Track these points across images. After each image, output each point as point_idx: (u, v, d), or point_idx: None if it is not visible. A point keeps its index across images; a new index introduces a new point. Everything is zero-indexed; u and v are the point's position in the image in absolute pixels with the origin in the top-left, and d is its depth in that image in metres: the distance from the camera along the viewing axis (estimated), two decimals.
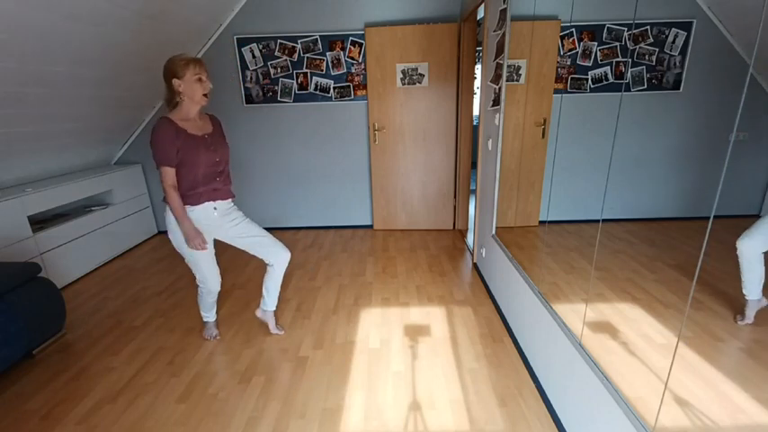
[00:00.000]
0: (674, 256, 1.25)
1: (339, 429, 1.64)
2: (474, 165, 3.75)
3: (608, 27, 1.49)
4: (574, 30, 1.68)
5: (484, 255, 2.88)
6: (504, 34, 2.28)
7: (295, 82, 3.76)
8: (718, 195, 0.87)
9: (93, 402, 1.83)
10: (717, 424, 0.98)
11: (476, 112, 3.63)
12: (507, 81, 2.32)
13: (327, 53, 3.67)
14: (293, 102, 3.82)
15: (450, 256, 3.36)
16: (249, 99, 3.83)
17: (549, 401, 1.71)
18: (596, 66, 1.62)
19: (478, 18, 3.29)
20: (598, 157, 1.31)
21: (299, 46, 3.65)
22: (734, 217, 0.96)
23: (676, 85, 1.23)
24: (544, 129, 2.01)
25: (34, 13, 2.00)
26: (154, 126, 1.76)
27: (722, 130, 0.92)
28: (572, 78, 1.72)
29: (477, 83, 3.55)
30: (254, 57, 3.70)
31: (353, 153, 3.97)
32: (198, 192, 1.88)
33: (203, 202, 1.91)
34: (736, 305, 1.00)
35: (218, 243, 2.11)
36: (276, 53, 3.68)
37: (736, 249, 0.96)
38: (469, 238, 3.71)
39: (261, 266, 3.21)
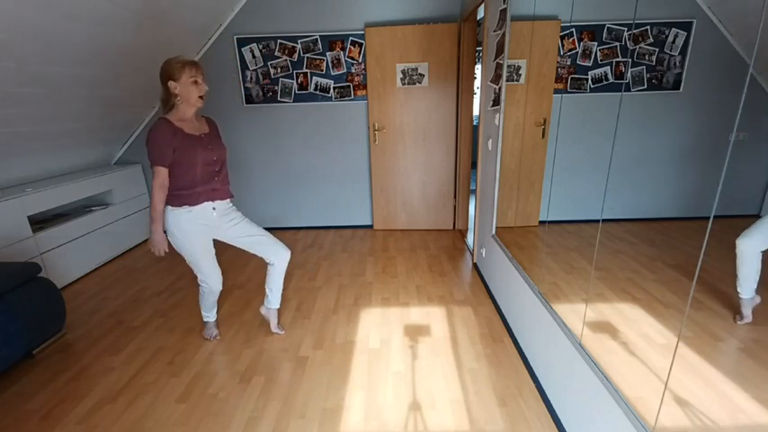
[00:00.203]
0: (674, 256, 1.25)
1: (339, 429, 1.64)
2: (474, 165, 3.75)
3: (608, 27, 1.49)
4: (574, 30, 1.68)
5: (484, 255, 2.88)
6: (504, 34, 2.28)
7: (295, 82, 3.76)
8: (718, 195, 0.87)
9: (93, 402, 1.83)
10: (717, 424, 0.98)
11: (476, 112, 3.63)
12: (507, 81, 2.32)
13: (327, 53, 3.67)
14: (293, 102, 3.82)
15: (450, 256, 3.36)
16: (249, 99, 3.83)
17: (549, 401, 1.71)
18: (596, 66, 1.62)
19: (478, 18, 3.29)
20: (598, 157, 1.31)
21: (299, 46, 3.65)
22: (734, 217, 0.96)
23: (676, 85, 1.23)
24: (544, 129, 2.01)
25: (34, 13, 2.00)
26: (151, 126, 1.77)
27: (722, 130, 0.92)
28: (572, 78, 1.72)
29: (477, 83, 3.55)
30: (254, 57, 3.70)
31: (353, 153, 3.97)
32: (196, 191, 1.88)
33: (202, 202, 1.91)
34: (736, 305, 1.00)
35: (217, 243, 2.11)
36: (276, 53, 3.68)
37: (735, 248, 0.96)
38: (469, 238, 3.71)
39: (261, 266, 3.21)
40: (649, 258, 1.35)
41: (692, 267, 0.94)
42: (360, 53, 3.66)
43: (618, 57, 1.48)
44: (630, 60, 1.32)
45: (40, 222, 2.95)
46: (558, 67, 1.86)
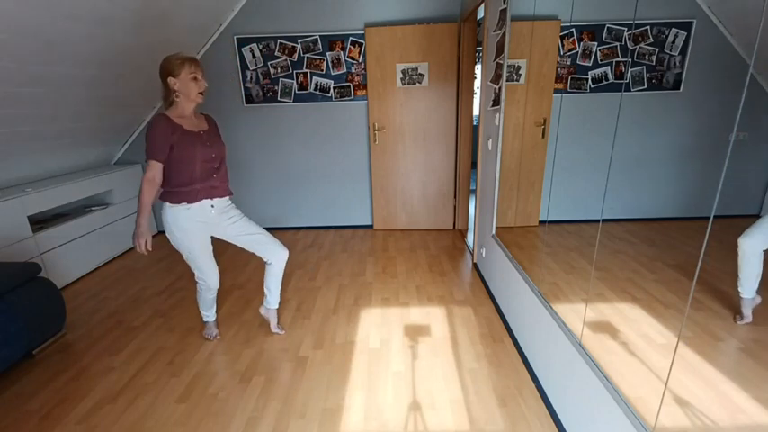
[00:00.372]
0: (674, 256, 1.25)
1: (339, 429, 1.64)
2: (474, 165, 3.75)
3: (608, 27, 1.49)
4: (574, 30, 1.68)
5: (484, 255, 2.88)
6: (504, 34, 2.28)
7: (295, 82, 3.76)
8: (718, 195, 0.87)
9: (93, 402, 1.83)
10: (717, 424, 0.98)
11: (476, 112, 3.63)
12: (507, 81, 2.32)
13: (327, 53, 3.67)
14: (293, 102, 3.82)
15: (450, 256, 3.36)
16: (249, 99, 3.83)
17: (549, 401, 1.71)
18: (596, 66, 1.62)
19: (478, 18, 3.29)
20: (598, 157, 1.31)
21: (299, 46, 3.65)
22: (734, 217, 0.96)
23: (676, 85, 1.23)
24: (544, 129, 2.01)
25: (34, 13, 2.00)
26: (150, 121, 1.77)
27: (722, 130, 0.92)
28: (572, 78, 1.72)
29: (477, 83, 3.55)
30: (254, 57, 3.70)
31: (353, 153, 3.97)
32: (195, 188, 1.88)
33: (201, 200, 1.91)
34: (736, 305, 1.00)
35: (217, 242, 2.11)
36: (276, 53, 3.68)
37: (736, 249, 0.96)
38: (469, 238, 3.71)
39: (261, 266, 3.21)
40: (649, 258, 1.35)
41: (692, 267, 0.94)
42: (360, 53, 3.66)
43: (618, 57, 1.48)
44: (630, 60, 1.32)
45: (40, 222, 2.95)
46: (558, 67, 1.86)
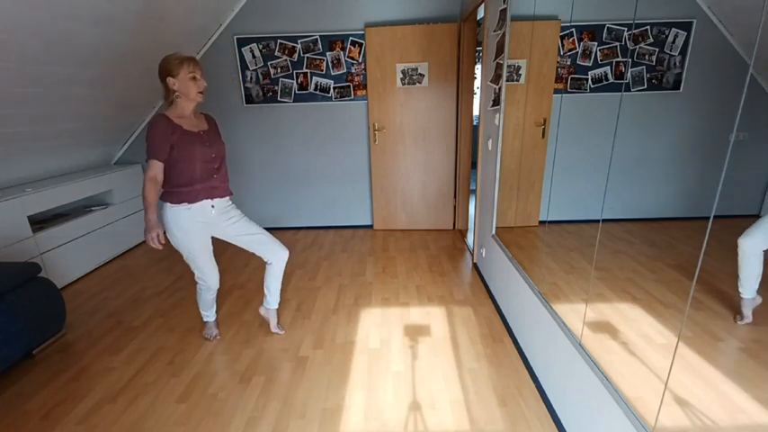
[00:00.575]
0: (674, 256, 1.25)
1: (339, 429, 1.64)
2: (474, 165, 3.75)
3: (608, 27, 1.49)
4: (574, 30, 1.68)
5: (484, 255, 2.88)
6: (504, 34, 2.28)
7: (295, 82, 3.76)
8: (718, 195, 0.87)
9: (93, 402, 1.83)
10: (717, 424, 0.98)
11: (476, 112, 3.63)
12: (507, 81, 2.32)
13: (327, 53, 3.67)
14: (293, 102, 3.82)
15: (450, 256, 3.36)
16: (249, 99, 3.83)
17: (549, 401, 1.71)
18: (596, 66, 1.62)
19: (478, 18, 3.29)
20: (598, 157, 1.31)
21: (299, 46, 3.65)
22: (734, 217, 0.96)
23: (676, 85, 1.23)
24: (544, 129, 2.01)
25: (34, 13, 2.00)
26: (150, 121, 1.77)
27: (722, 130, 0.92)
28: (572, 78, 1.72)
29: (477, 83, 3.55)
30: (254, 57, 3.70)
31: (353, 153, 3.97)
32: (195, 189, 1.88)
33: (201, 200, 1.91)
34: (736, 305, 1.00)
35: (217, 242, 2.11)
36: (276, 53, 3.68)
37: (736, 249, 0.96)
38: (469, 238, 3.71)
39: (261, 266, 3.20)
40: (649, 258, 1.35)
41: (692, 267, 0.94)
42: (360, 53, 3.66)
43: (618, 57, 1.48)
44: (630, 60, 1.32)
45: (40, 222, 2.95)
46: (558, 67, 1.86)
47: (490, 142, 2.69)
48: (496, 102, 2.49)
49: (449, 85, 3.63)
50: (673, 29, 1.20)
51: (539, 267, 1.94)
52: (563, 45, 1.78)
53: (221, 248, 2.17)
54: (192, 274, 2.11)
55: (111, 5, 2.35)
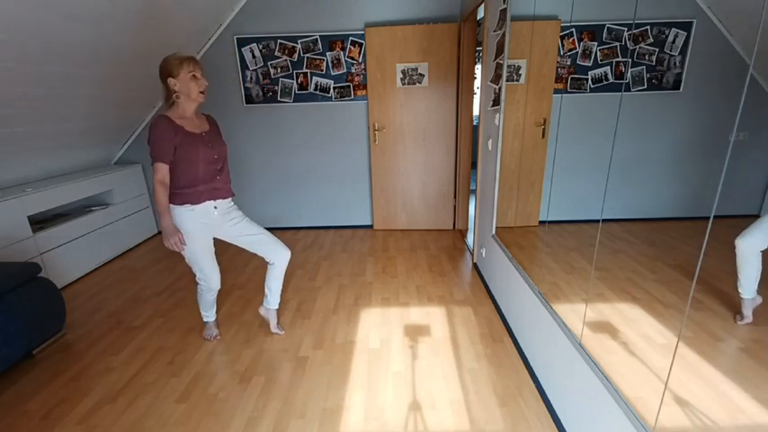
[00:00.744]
0: (674, 256, 1.25)
1: (339, 429, 1.64)
2: (474, 165, 3.75)
3: (608, 27, 1.49)
4: (574, 30, 1.68)
5: (484, 255, 2.88)
6: (504, 34, 2.28)
7: (295, 82, 3.76)
8: (718, 195, 0.87)
9: (93, 402, 1.83)
10: (717, 424, 0.98)
11: (476, 112, 3.63)
12: (507, 81, 2.32)
13: (327, 53, 3.67)
14: (293, 102, 3.82)
15: (450, 256, 3.36)
16: (249, 99, 3.83)
17: (549, 401, 1.71)
18: (596, 66, 1.62)
19: (478, 18, 3.29)
20: (598, 157, 1.31)
21: (299, 46, 3.65)
22: (734, 217, 0.96)
23: (676, 85, 1.23)
24: (544, 129, 2.01)
25: (34, 13, 2.00)
26: (151, 123, 1.77)
27: (722, 130, 0.92)
28: (572, 78, 1.72)
29: (477, 83, 3.55)
30: (254, 57, 3.70)
31: (353, 153, 3.97)
32: (198, 190, 1.88)
33: (204, 201, 1.91)
34: (736, 305, 1.00)
35: (218, 243, 2.11)
36: (276, 53, 3.68)
37: (735, 248, 0.96)
38: (469, 238, 3.71)
39: (261, 266, 3.21)
40: (649, 258, 1.35)
41: (692, 267, 0.94)
42: (360, 53, 3.66)
43: (618, 57, 1.48)
44: (630, 60, 1.32)
45: (40, 222, 2.95)
46: (558, 67, 1.86)
47: (490, 142, 2.69)
48: (496, 102, 2.49)
49: (449, 85, 3.63)
50: (673, 29, 1.20)
51: (539, 267, 1.94)
52: (563, 45, 1.78)
53: (222, 249, 2.18)
54: (193, 274, 2.11)
55: (111, 5, 2.35)
